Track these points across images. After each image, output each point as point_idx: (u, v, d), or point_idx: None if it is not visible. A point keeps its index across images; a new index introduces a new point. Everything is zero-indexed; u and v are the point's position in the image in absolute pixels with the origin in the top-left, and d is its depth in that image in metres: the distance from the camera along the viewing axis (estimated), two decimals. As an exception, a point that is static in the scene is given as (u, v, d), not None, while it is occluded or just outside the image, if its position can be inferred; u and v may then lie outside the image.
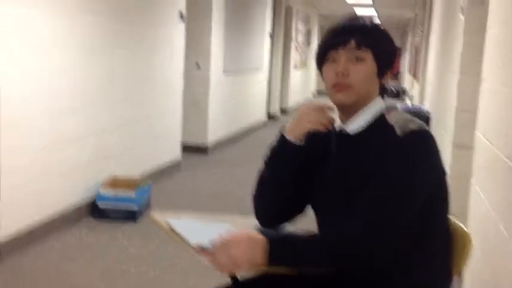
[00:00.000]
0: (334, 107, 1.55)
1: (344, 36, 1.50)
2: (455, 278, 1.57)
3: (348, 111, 1.53)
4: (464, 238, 1.58)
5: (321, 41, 1.57)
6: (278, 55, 11.51)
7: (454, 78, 3.76)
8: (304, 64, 14.34)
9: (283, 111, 12.24)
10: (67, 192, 4.06)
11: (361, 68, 1.49)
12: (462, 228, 1.61)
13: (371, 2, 12.78)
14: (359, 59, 1.49)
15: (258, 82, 9.69)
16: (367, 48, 1.49)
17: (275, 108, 11.59)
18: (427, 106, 6.81)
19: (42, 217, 3.78)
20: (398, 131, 1.40)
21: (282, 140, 1.58)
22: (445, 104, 4.28)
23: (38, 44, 3.62)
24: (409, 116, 1.47)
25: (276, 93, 11.66)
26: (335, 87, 1.50)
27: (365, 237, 1.35)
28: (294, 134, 1.55)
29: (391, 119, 1.47)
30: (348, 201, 1.49)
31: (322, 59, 1.55)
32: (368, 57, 1.49)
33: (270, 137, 8.01)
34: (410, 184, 1.39)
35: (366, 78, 1.50)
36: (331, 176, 1.56)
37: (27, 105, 3.56)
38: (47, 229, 3.81)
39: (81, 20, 4.05)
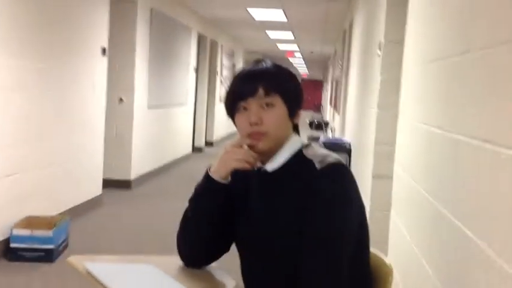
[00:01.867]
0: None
1: (251, 85, 1.51)
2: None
3: (266, 154, 1.55)
4: (386, 270, 1.61)
5: (229, 91, 1.57)
6: (203, 89, 11.56)
7: (372, 113, 3.89)
8: (229, 97, 14.41)
9: (209, 144, 12.24)
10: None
11: (272, 113, 1.51)
12: (384, 261, 1.64)
13: (293, 38, 13.15)
14: (269, 105, 1.51)
15: (183, 116, 9.65)
16: (275, 93, 1.52)
17: (200, 141, 11.58)
18: (348, 138, 7.02)
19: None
20: (317, 165, 1.45)
21: (207, 179, 1.57)
22: (365, 137, 4.42)
23: None
24: (325, 151, 1.53)
25: (202, 127, 11.66)
26: (251, 136, 1.52)
27: None
28: (219, 173, 1.55)
29: (309, 154, 1.51)
30: (273, 239, 1.50)
31: (232, 109, 1.56)
32: (277, 101, 1.52)
33: (195, 170, 7.90)
34: (343, 220, 1.43)
35: (279, 122, 1.52)
36: (254, 214, 1.56)
37: None
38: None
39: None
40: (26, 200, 4.38)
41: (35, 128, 4.50)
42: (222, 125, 13.52)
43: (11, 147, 4.13)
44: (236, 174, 1.59)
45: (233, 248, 1.67)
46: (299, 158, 1.52)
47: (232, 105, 1.55)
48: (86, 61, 5.40)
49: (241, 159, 1.52)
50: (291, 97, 1.55)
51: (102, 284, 1.40)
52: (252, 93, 1.51)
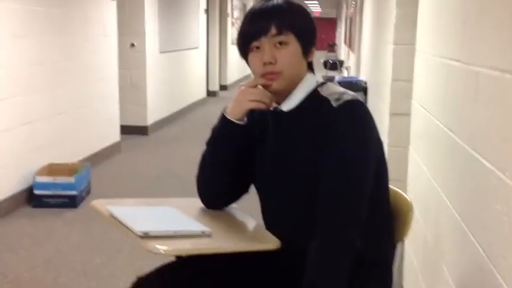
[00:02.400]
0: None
1: (263, 23, 1.48)
2: (398, 245, 1.62)
3: (281, 94, 1.54)
4: (406, 206, 1.62)
5: (241, 30, 1.54)
6: (215, 32, 11.41)
7: (388, 49, 3.82)
8: (241, 39, 14.26)
9: (223, 87, 12.20)
10: (1, 184, 3.90)
11: (286, 52, 1.48)
12: (404, 196, 1.65)
13: (305, -25, 12.83)
14: (283, 43, 1.48)
15: (196, 60, 9.58)
16: (288, 31, 1.48)
17: (214, 85, 11.54)
18: (363, 76, 6.94)
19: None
20: (333, 103, 1.43)
21: (224, 121, 1.56)
22: (381, 74, 4.36)
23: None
24: (341, 89, 1.51)
25: (215, 70, 11.59)
26: (265, 76, 1.49)
27: (346, 233, 1.38)
28: (235, 114, 1.54)
29: (325, 92, 1.49)
30: (291, 178, 1.51)
31: (245, 49, 1.53)
32: (291, 39, 1.48)
33: (210, 114, 7.93)
34: (362, 155, 1.42)
35: (293, 61, 1.50)
36: (271, 154, 1.57)
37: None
38: (-17, 222, 3.66)
39: (6, 4, 3.85)
40: (45, 147, 4.44)
41: (49, 75, 4.50)
42: (236, 68, 13.42)
43: (25, 94, 4.15)
44: (252, 115, 1.59)
45: (253, 189, 1.69)
46: (315, 97, 1.51)
47: (245, 45, 1.52)
48: (95, 5, 5.33)
49: (256, 100, 1.51)
50: (305, 34, 1.52)
51: (125, 226, 1.43)
52: (264, 32, 1.47)
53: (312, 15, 1.58)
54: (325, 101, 1.46)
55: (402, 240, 1.63)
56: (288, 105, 1.54)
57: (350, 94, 1.47)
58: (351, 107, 1.44)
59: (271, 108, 1.57)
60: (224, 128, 1.57)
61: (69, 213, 4.00)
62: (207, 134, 1.63)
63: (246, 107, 1.53)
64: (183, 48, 8.69)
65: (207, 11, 10.25)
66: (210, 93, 10.99)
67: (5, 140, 3.91)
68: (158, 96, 7.43)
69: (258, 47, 1.49)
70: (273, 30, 1.47)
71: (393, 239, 1.60)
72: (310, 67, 1.58)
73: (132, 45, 6.80)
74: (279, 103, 1.56)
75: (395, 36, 3.60)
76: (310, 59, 1.56)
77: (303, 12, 1.55)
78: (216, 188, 1.65)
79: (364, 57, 7.14)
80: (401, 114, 3.57)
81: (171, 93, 8.07)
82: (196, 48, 9.54)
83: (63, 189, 4.10)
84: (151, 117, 7.18)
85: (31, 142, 4.24)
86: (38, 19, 4.28)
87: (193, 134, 7.11)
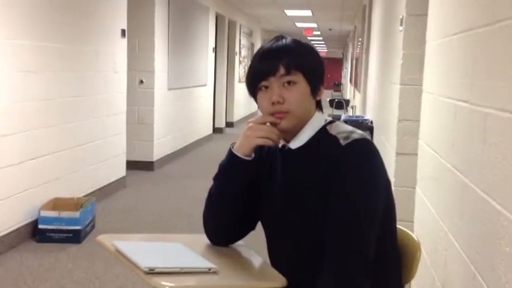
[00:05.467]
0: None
1: (272, 63, 1.48)
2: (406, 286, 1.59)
3: (290, 132, 1.54)
4: (414, 247, 1.60)
5: (250, 69, 1.55)
6: (222, 69, 11.53)
7: (395, 89, 3.85)
8: (248, 77, 14.38)
9: (229, 124, 12.25)
10: (6, 217, 3.88)
11: (294, 91, 1.49)
12: (411, 236, 1.63)
13: (311, 15, 13.01)
14: (291, 83, 1.49)
15: (203, 97, 9.65)
16: (297, 71, 1.49)
17: (221, 122, 11.59)
18: (369, 116, 6.96)
19: (-20, 243, 3.61)
20: (342, 141, 1.43)
21: (231, 156, 1.56)
22: (387, 114, 4.38)
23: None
24: (350, 127, 1.51)
25: (222, 107, 11.66)
26: (273, 115, 1.50)
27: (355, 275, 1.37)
28: (242, 150, 1.54)
29: (333, 130, 1.50)
30: (298, 216, 1.50)
31: (254, 88, 1.54)
32: (299, 79, 1.49)
33: (216, 151, 7.93)
34: (369, 196, 1.42)
35: (302, 100, 1.50)
36: (279, 192, 1.56)
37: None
38: (-14, 255, 3.63)
39: (19, 41, 3.92)
40: (52, 182, 4.44)
41: (59, 110, 4.53)
42: (242, 105, 13.50)
43: (34, 129, 4.18)
44: (261, 151, 1.59)
45: (259, 226, 1.68)
46: (323, 135, 1.51)
47: (254, 84, 1.53)
48: (106, 43, 5.41)
49: (264, 136, 1.51)
50: (313, 74, 1.53)
51: (130, 261, 1.41)
52: (273, 72, 1.48)
53: (320, 55, 1.60)
54: (333, 139, 1.47)
55: (409, 282, 1.60)
56: (296, 143, 1.54)
57: (358, 133, 1.47)
58: (359, 146, 1.44)
59: (280, 146, 1.57)
60: (231, 163, 1.56)
61: (73, 248, 3.97)
62: (211, 171, 1.63)
63: (253, 143, 1.53)
64: (191, 85, 8.77)
65: (215, 49, 10.38)
66: (216, 130, 11.03)
67: (12, 173, 3.91)
68: (165, 132, 7.46)
69: (266, 87, 1.51)
70: (282, 70, 1.48)
71: (400, 280, 1.58)
72: (319, 105, 1.58)
73: (141, 81, 6.87)
74: (287, 141, 1.56)
75: (401, 76, 3.63)
76: (318, 98, 1.57)
77: (311, 51, 1.56)
78: (222, 224, 1.63)
79: (370, 96, 7.17)
80: (407, 154, 3.57)
81: (177, 130, 8.11)
82: (204, 85, 9.63)
83: (67, 224, 4.08)
84: (157, 153, 7.20)
85: (38, 176, 4.25)
86: (49, 55, 4.34)
87: (198, 170, 7.10)
